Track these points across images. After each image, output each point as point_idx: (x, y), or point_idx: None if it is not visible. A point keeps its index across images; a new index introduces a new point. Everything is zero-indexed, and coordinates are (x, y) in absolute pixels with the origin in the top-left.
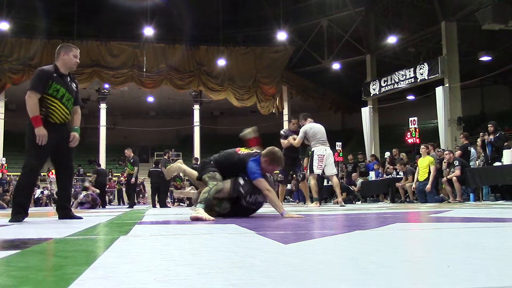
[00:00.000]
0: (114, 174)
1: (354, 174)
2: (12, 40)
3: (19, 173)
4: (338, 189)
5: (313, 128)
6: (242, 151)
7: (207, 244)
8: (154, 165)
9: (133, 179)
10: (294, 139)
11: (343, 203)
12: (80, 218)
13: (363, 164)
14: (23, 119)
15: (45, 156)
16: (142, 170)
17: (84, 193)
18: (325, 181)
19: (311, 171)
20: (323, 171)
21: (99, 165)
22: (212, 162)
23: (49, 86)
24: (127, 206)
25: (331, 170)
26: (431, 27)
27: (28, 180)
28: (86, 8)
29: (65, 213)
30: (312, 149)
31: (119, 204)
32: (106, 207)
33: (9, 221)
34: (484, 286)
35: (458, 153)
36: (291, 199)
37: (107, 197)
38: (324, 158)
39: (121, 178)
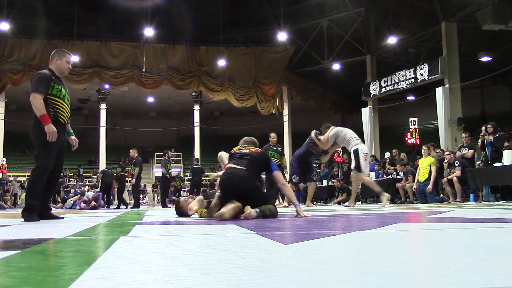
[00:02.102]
0: (114, 174)
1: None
2: (13, 41)
3: (24, 174)
4: (354, 193)
5: (344, 130)
6: (252, 149)
7: (207, 244)
8: (121, 169)
9: (133, 180)
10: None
11: (352, 204)
12: (61, 218)
13: None
14: (23, 120)
15: (55, 156)
16: (143, 170)
17: (91, 192)
18: (324, 181)
19: (359, 170)
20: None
21: (107, 167)
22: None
23: (51, 87)
24: (131, 207)
25: (366, 169)
26: (431, 27)
27: (44, 180)
28: (86, 9)
29: (47, 213)
30: (355, 148)
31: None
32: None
33: (25, 221)
34: (485, 287)
35: (470, 152)
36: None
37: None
38: (367, 157)
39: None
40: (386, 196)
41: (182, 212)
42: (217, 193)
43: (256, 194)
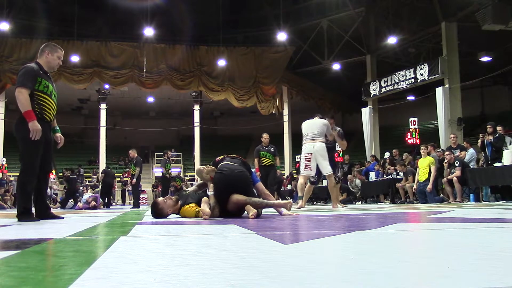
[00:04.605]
0: (115, 174)
1: (349, 176)
2: (13, 41)
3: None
4: (335, 191)
5: (303, 125)
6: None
7: (207, 244)
8: (71, 172)
9: (134, 180)
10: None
11: (339, 206)
12: (61, 218)
13: (362, 167)
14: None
15: (40, 154)
16: (143, 170)
17: (89, 193)
18: (325, 181)
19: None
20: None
21: (108, 167)
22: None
23: (38, 82)
24: (131, 207)
25: (325, 168)
26: (431, 27)
27: (34, 180)
28: (86, 8)
29: (47, 213)
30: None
31: (123, 204)
32: (111, 207)
33: (20, 221)
34: (484, 287)
35: (463, 153)
36: (291, 200)
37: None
38: (312, 156)
39: (125, 179)
40: (299, 204)
41: (161, 213)
42: (209, 193)
43: (251, 189)
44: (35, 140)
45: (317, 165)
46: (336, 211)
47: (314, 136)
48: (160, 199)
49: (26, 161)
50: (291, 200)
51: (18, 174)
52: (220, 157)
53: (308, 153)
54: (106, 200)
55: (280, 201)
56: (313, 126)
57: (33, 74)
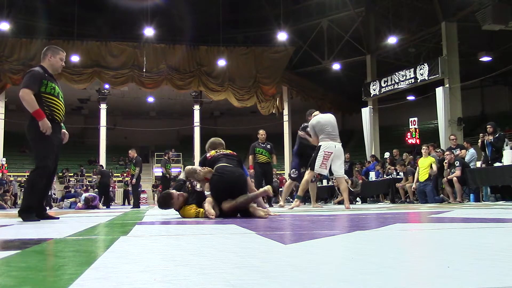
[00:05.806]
0: (115, 174)
1: (357, 175)
2: (13, 41)
3: (24, 174)
4: (346, 194)
5: (321, 120)
6: (230, 151)
7: (207, 244)
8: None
9: (134, 180)
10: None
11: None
12: (57, 218)
13: (362, 166)
14: (23, 120)
15: (54, 155)
16: (143, 170)
17: (86, 194)
18: (325, 181)
19: (311, 168)
20: (330, 171)
21: (102, 167)
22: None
23: (45, 85)
24: (131, 207)
25: (339, 170)
26: (431, 27)
27: (44, 181)
28: (86, 8)
29: (42, 214)
30: (319, 144)
31: (123, 204)
32: (110, 207)
33: (24, 221)
34: (484, 286)
35: (463, 151)
36: (291, 200)
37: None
38: (332, 156)
39: (126, 179)
40: (296, 203)
41: (169, 206)
42: (206, 193)
43: (247, 190)
44: (48, 141)
45: (302, 161)
46: (336, 211)
47: (335, 135)
48: (175, 193)
49: (40, 161)
50: (269, 185)
51: (18, 174)
52: (212, 154)
53: (329, 152)
54: (103, 200)
55: (259, 190)
56: (333, 123)
57: (39, 78)
